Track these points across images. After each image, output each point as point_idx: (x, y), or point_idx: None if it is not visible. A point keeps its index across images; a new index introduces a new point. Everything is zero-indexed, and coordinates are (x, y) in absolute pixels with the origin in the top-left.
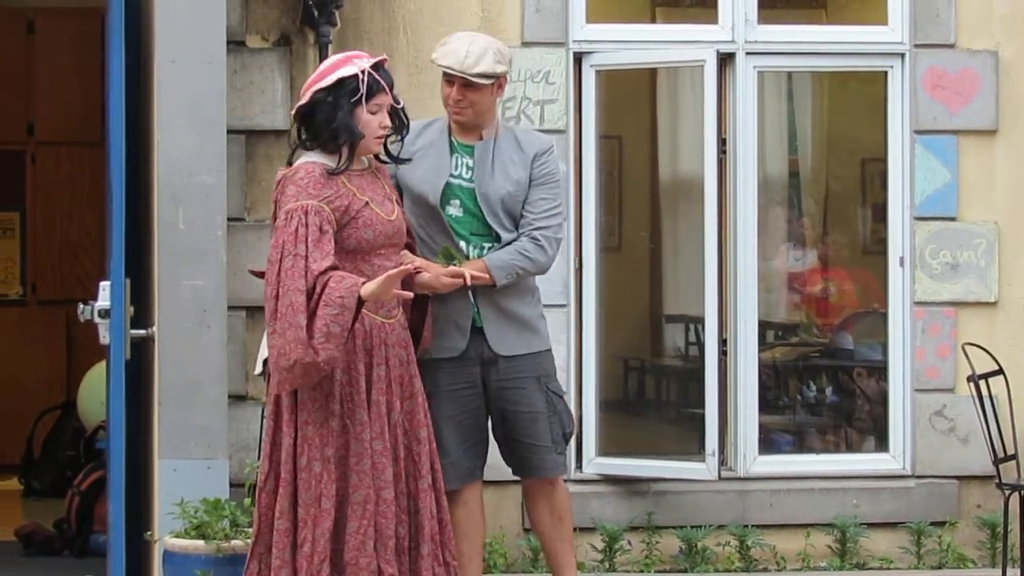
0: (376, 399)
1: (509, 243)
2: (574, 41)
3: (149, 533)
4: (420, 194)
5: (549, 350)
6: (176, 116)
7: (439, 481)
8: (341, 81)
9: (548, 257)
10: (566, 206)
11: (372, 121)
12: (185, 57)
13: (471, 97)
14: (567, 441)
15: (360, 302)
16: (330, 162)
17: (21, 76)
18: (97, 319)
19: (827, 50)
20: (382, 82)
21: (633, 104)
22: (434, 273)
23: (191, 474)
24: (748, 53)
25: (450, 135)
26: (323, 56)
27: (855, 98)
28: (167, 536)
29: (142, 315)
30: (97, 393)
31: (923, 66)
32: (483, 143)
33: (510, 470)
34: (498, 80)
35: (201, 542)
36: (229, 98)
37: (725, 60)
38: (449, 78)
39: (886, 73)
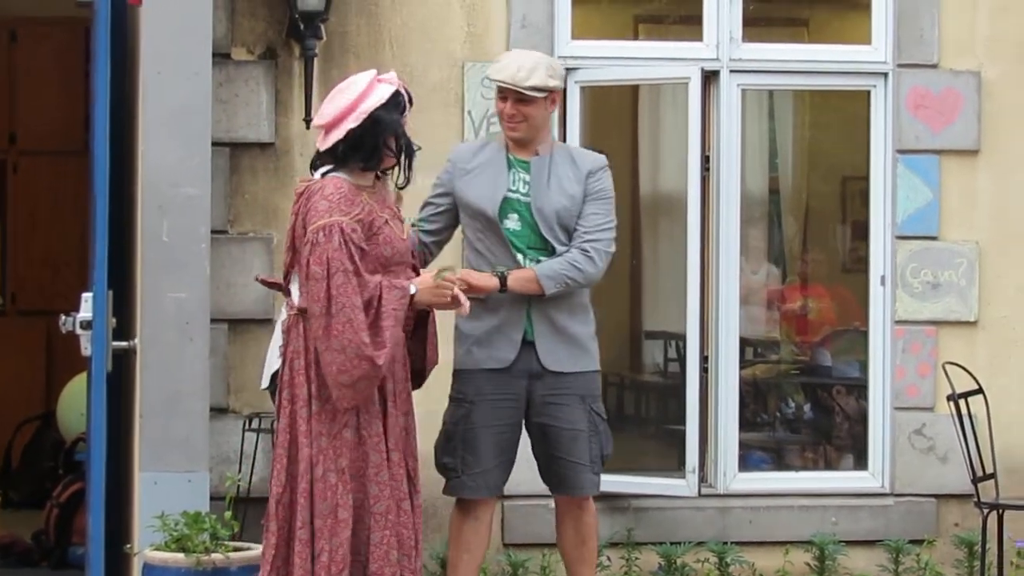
0: (391, 411)
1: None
2: (559, 57)
3: (128, 546)
4: (479, 209)
5: (598, 371)
6: (161, 128)
7: (419, 495)
8: (395, 96)
9: (597, 269)
10: None
11: None
12: (171, 69)
13: (524, 111)
14: (604, 463)
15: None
16: (353, 179)
17: (3, 85)
18: (79, 330)
19: (812, 69)
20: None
21: (617, 120)
22: (423, 287)
23: (171, 487)
24: (732, 71)
25: (507, 152)
26: (308, 69)
27: (838, 117)
28: (147, 549)
29: (124, 327)
30: (77, 404)
31: (906, 86)
32: (539, 158)
33: None
34: (551, 95)
35: (181, 555)
36: (214, 110)
37: (709, 78)
38: (503, 93)
39: (869, 92)
